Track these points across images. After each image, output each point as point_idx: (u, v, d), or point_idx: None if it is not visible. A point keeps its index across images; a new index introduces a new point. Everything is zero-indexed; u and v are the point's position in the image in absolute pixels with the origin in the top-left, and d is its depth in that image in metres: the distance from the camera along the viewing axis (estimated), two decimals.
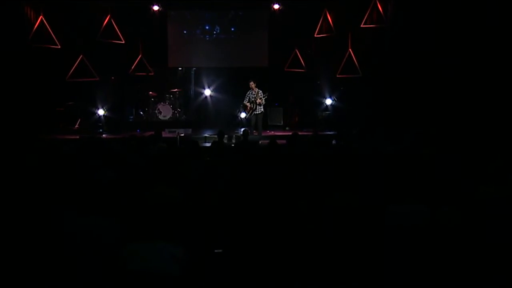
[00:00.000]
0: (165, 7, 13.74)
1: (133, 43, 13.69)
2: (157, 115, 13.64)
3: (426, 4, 10.98)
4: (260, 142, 9.55)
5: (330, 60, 13.59)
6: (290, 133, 8.95)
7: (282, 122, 13.93)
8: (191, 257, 3.10)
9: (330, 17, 13.57)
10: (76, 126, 12.82)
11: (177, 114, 13.89)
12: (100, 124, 12.69)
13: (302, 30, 13.81)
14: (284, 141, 8.68)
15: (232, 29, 14.35)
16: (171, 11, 14.01)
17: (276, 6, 13.72)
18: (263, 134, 11.88)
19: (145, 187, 4.57)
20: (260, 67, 13.83)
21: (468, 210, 3.78)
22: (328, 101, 13.54)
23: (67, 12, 12.42)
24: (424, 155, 6.53)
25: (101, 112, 12.70)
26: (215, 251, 3.76)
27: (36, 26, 12.26)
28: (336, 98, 13.52)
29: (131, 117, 13.93)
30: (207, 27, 14.37)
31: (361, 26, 12.92)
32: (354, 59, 13.23)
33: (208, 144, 9.94)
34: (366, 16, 12.83)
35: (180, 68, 14.63)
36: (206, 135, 11.65)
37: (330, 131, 11.71)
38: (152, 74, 14.03)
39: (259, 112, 11.38)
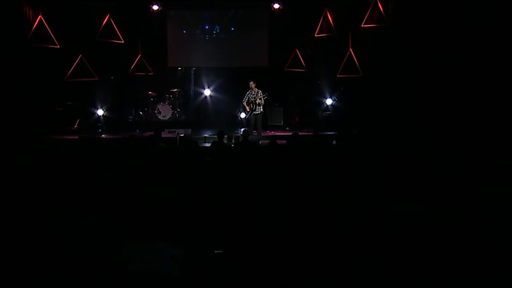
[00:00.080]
0: (165, 7, 13.73)
1: (133, 42, 13.67)
2: (157, 115, 13.61)
3: (427, 3, 10.97)
4: (260, 142, 9.54)
5: (331, 60, 13.57)
6: (291, 133, 8.94)
7: (282, 122, 13.92)
8: (191, 258, 3.08)
9: (331, 17, 13.55)
10: (75, 126, 12.80)
11: (177, 114, 13.87)
12: (99, 124, 12.66)
13: (302, 30, 13.78)
14: (284, 141, 8.69)
15: (232, 28, 14.33)
16: (170, 10, 14.00)
17: (276, 6, 13.72)
18: (263, 134, 11.87)
19: (145, 188, 4.57)
20: (260, 67, 13.81)
21: (469, 210, 3.78)
22: (329, 101, 13.52)
23: (66, 11, 12.41)
24: (424, 155, 6.52)
25: (100, 112, 12.66)
26: (215, 251, 3.74)
27: (35, 25, 12.26)
28: (336, 98, 13.51)
29: (131, 117, 13.90)
30: (206, 27, 14.35)
31: (362, 25, 12.93)
32: (355, 59, 13.23)
33: (208, 144, 9.93)
34: (366, 16, 12.83)
35: (179, 68, 14.60)
36: (206, 135, 11.65)
37: (330, 131, 11.70)
38: (152, 74, 14.02)
39: (259, 112, 11.36)
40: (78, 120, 12.88)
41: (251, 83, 11.33)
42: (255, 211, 4.18)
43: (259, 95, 11.23)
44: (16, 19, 11.59)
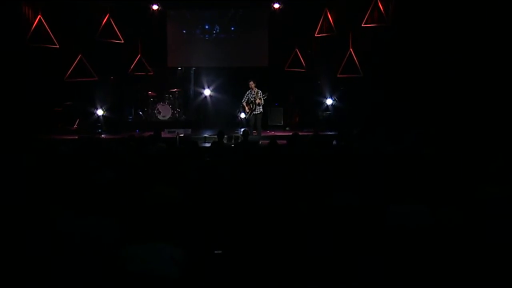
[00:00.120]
0: (165, 7, 13.73)
1: (132, 42, 13.66)
2: (157, 115, 13.60)
3: (427, 3, 10.95)
4: (260, 143, 9.53)
5: (331, 60, 13.55)
6: (291, 133, 8.93)
7: (282, 122, 13.91)
8: (191, 259, 3.08)
9: (331, 17, 13.53)
10: (75, 126, 12.78)
11: (177, 114, 13.86)
12: (99, 124, 12.66)
13: (303, 30, 13.77)
14: (284, 142, 8.69)
15: (232, 28, 14.31)
16: (170, 10, 13.99)
17: (276, 5, 13.72)
18: (264, 134, 11.87)
19: (144, 188, 4.57)
20: (260, 67, 13.80)
21: (470, 210, 3.76)
22: (329, 101, 13.51)
23: (65, 11, 12.40)
24: (425, 155, 6.51)
25: (100, 112, 12.66)
26: (215, 252, 3.74)
27: (34, 25, 12.26)
28: (336, 98, 13.50)
29: (130, 117, 13.88)
30: (206, 27, 14.34)
31: (362, 25, 12.90)
32: (355, 58, 13.22)
33: (207, 145, 9.92)
34: (367, 16, 12.80)
35: (179, 68, 14.59)
36: (206, 135, 11.64)
37: (330, 131, 11.70)
38: (152, 74, 14.00)
39: (258, 112, 11.34)
40: (77, 120, 12.86)
41: (251, 83, 11.31)
42: (255, 211, 4.16)
43: (259, 95, 11.21)
44: (16, 19, 11.60)
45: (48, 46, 12.43)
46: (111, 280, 2.97)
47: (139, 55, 13.83)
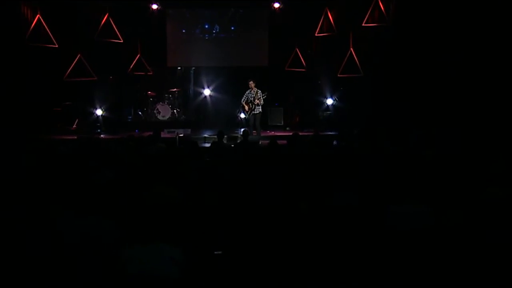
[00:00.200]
0: (164, 6, 13.70)
1: (132, 42, 13.63)
2: (156, 115, 13.56)
3: (428, 2, 10.93)
4: (260, 143, 9.50)
5: (331, 60, 13.54)
6: (291, 134, 8.93)
7: (282, 122, 13.88)
8: (190, 259, 3.08)
9: (331, 16, 13.53)
10: (74, 126, 12.74)
11: (176, 114, 13.83)
12: (98, 124, 12.61)
13: (303, 29, 13.75)
14: (284, 142, 8.68)
15: (232, 28, 14.30)
16: (170, 9, 13.96)
17: (276, 5, 13.70)
18: (264, 134, 11.88)
19: (144, 188, 4.57)
20: (260, 67, 13.80)
21: (471, 211, 3.72)
22: (329, 101, 13.48)
23: (64, 11, 12.36)
24: (426, 156, 6.48)
25: (99, 112, 12.62)
26: (215, 253, 3.73)
27: (33, 25, 12.22)
28: (337, 98, 13.47)
29: (130, 117, 13.83)
30: (206, 26, 14.31)
31: (363, 25, 12.90)
32: (356, 58, 13.21)
33: (207, 145, 9.89)
34: (367, 15, 12.80)
35: (179, 68, 14.57)
36: (206, 135, 11.61)
37: (331, 131, 11.71)
38: (151, 73, 13.98)
39: (257, 112, 11.34)
40: (76, 120, 12.83)
41: (251, 82, 11.30)
42: (255, 211, 4.16)
43: (258, 95, 11.21)
44: (14, 18, 11.55)
45: (47, 45, 12.39)
46: (111, 280, 2.97)
47: (138, 55, 13.80)
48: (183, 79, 14.42)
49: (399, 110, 11.30)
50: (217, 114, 13.82)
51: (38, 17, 12.29)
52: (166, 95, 13.78)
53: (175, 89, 13.92)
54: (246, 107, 11.33)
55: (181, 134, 11.36)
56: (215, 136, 9.68)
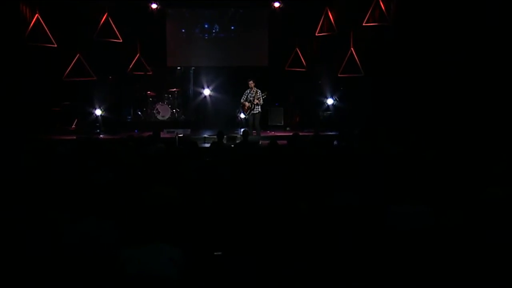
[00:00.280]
0: (164, 5, 13.68)
1: (131, 42, 13.59)
2: (156, 115, 13.54)
3: (429, 2, 10.92)
4: (260, 143, 9.48)
5: (332, 59, 13.53)
6: (291, 134, 8.90)
7: (282, 122, 13.87)
8: (190, 260, 3.03)
9: (332, 16, 13.52)
10: (73, 126, 12.77)
11: (176, 114, 13.81)
12: (97, 124, 12.58)
13: (303, 29, 13.73)
14: (284, 142, 8.67)
15: (232, 27, 14.28)
16: (169, 9, 13.94)
17: (276, 4, 13.70)
18: (264, 134, 11.91)
19: (143, 188, 4.49)
20: (260, 66, 13.79)
21: (471, 211, 3.68)
22: (330, 101, 13.48)
23: (63, 10, 12.35)
24: (426, 156, 6.47)
25: (98, 112, 12.59)
26: (215, 253, 3.70)
27: (32, 24, 12.22)
28: (337, 98, 13.47)
29: (129, 117, 13.80)
30: (206, 26, 14.29)
31: (363, 24, 12.90)
32: (356, 58, 13.21)
33: (207, 145, 9.87)
34: (368, 15, 12.80)
35: (178, 68, 14.54)
36: (206, 135, 11.59)
37: (331, 132, 11.73)
38: (151, 73, 13.95)
39: (257, 112, 11.36)
40: (75, 120, 12.85)
41: (251, 82, 11.31)
42: (255, 211, 4.14)
43: (258, 94, 11.23)
44: (13, 17, 11.56)
45: (46, 45, 12.38)
46: (110, 281, 2.93)
47: (138, 55, 13.76)
48: (182, 79, 14.39)
49: (400, 110, 11.29)
50: (217, 114, 13.80)
51: (37, 17, 12.28)
52: (166, 95, 13.76)
53: (174, 89, 13.89)
54: (246, 106, 11.31)
55: (180, 134, 11.34)
56: (215, 136, 9.66)
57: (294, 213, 3.90)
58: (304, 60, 14.08)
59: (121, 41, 13.38)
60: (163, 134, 11.11)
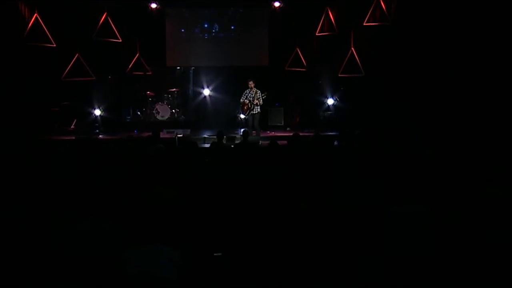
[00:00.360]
0: (163, 5, 13.65)
1: (130, 41, 13.56)
2: (155, 115, 13.52)
3: (430, 1, 10.90)
4: (260, 143, 9.46)
5: (332, 59, 13.52)
6: (291, 134, 8.89)
7: (282, 123, 13.85)
8: (190, 260, 3.02)
9: (332, 15, 13.50)
10: (72, 126, 12.74)
11: (176, 114, 13.79)
12: (97, 124, 12.59)
13: (303, 29, 13.70)
14: (285, 142, 8.65)
15: (232, 27, 14.25)
16: (169, 9, 13.90)
17: (276, 4, 13.66)
18: (264, 134, 11.93)
19: (143, 189, 4.47)
20: (260, 66, 13.77)
21: (472, 211, 3.67)
22: (330, 101, 13.46)
23: (62, 9, 12.33)
24: (427, 156, 6.47)
25: (97, 112, 12.59)
26: (214, 254, 3.70)
27: (30, 24, 12.21)
28: (338, 98, 13.45)
29: (128, 117, 13.79)
30: (206, 25, 14.27)
31: (364, 24, 12.90)
32: (357, 58, 13.21)
33: (207, 145, 9.84)
34: (369, 14, 12.80)
35: (178, 67, 14.52)
36: (205, 135, 11.56)
37: (332, 132, 11.70)
38: (150, 73, 13.92)
39: (256, 112, 11.36)
40: (75, 121, 12.83)
41: (251, 82, 11.31)
42: (255, 211, 4.12)
43: (257, 95, 11.23)
44: (11, 17, 11.55)
45: (45, 45, 12.37)
46: (109, 282, 2.93)
47: (137, 55, 13.73)
48: (182, 79, 14.36)
49: (400, 110, 11.27)
50: (217, 115, 13.78)
51: (36, 16, 12.27)
52: (165, 95, 13.74)
53: (174, 89, 13.88)
54: (245, 106, 11.29)
55: (180, 134, 11.32)
56: (215, 137, 9.63)
57: (294, 213, 3.90)
58: (305, 60, 14.05)
59: (120, 41, 13.35)
60: (163, 135, 11.10)
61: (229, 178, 5.47)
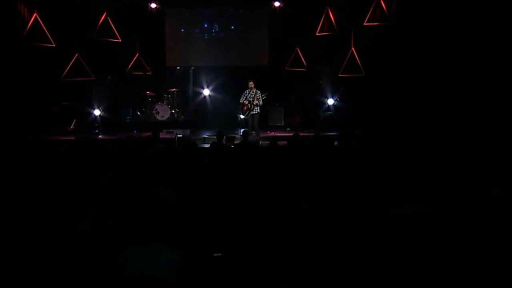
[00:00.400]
0: (163, 5, 13.64)
1: (130, 41, 13.55)
2: (155, 115, 13.50)
3: (430, 1, 10.89)
4: (260, 143, 9.45)
5: (332, 59, 13.53)
6: (291, 134, 8.90)
7: (283, 123, 13.81)
8: (189, 262, 3.06)
9: (332, 15, 13.50)
10: (72, 126, 12.75)
11: (175, 115, 13.77)
12: (96, 124, 12.58)
13: (304, 28, 13.68)
14: (285, 142, 8.66)
15: (232, 27, 14.23)
16: (168, 8, 13.89)
17: (276, 4, 13.64)
18: (264, 134, 11.92)
19: (142, 189, 4.58)
20: (260, 66, 13.75)
21: (472, 212, 3.71)
22: (330, 101, 13.45)
23: (62, 9, 12.33)
24: (427, 156, 6.47)
25: (97, 112, 12.58)
26: (214, 255, 3.70)
27: (30, 24, 12.21)
28: (338, 98, 13.44)
29: (128, 117, 13.77)
30: (205, 25, 14.24)
31: (364, 24, 12.90)
32: (357, 58, 13.21)
33: (207, 145, 9.82)
34: (369, 14, 12.81)
35: (178, 67, 14.50)
36: (205, 136, 11.54)
37: (332, 132, 11.68)
38: (150, 73, 13.91)
39: (256, 112, 11.36)
40: (74, 121, 12.83)
41: (251, 82, 11.30)
42: (255, 212, 4.15)
43: (257, 95, 11.23)
44: (11, 17, 11.55)
45: (44, 45, 12.37)
46: (109, 281, 2.95)
47: (137, 54, 13.72)
48: (182, 79, 14.33)
49: (401, 110, 11.26)
50: (217, 115, 13.74)
51: (35, 16, 12.26)
52: (165, 95, 13.72)
53: (174, 89, 13.85)
54: (245, 107, 11.28)
55: (180, 134, 11.29)
56: (215, 137, 9.62)
57: (294, 213, 3.93)
58: (305, 60, 14.04)
59: (120, 41, 13.34)
60: (163, 135, 11.08)
61: (229, 178, 5.48)
